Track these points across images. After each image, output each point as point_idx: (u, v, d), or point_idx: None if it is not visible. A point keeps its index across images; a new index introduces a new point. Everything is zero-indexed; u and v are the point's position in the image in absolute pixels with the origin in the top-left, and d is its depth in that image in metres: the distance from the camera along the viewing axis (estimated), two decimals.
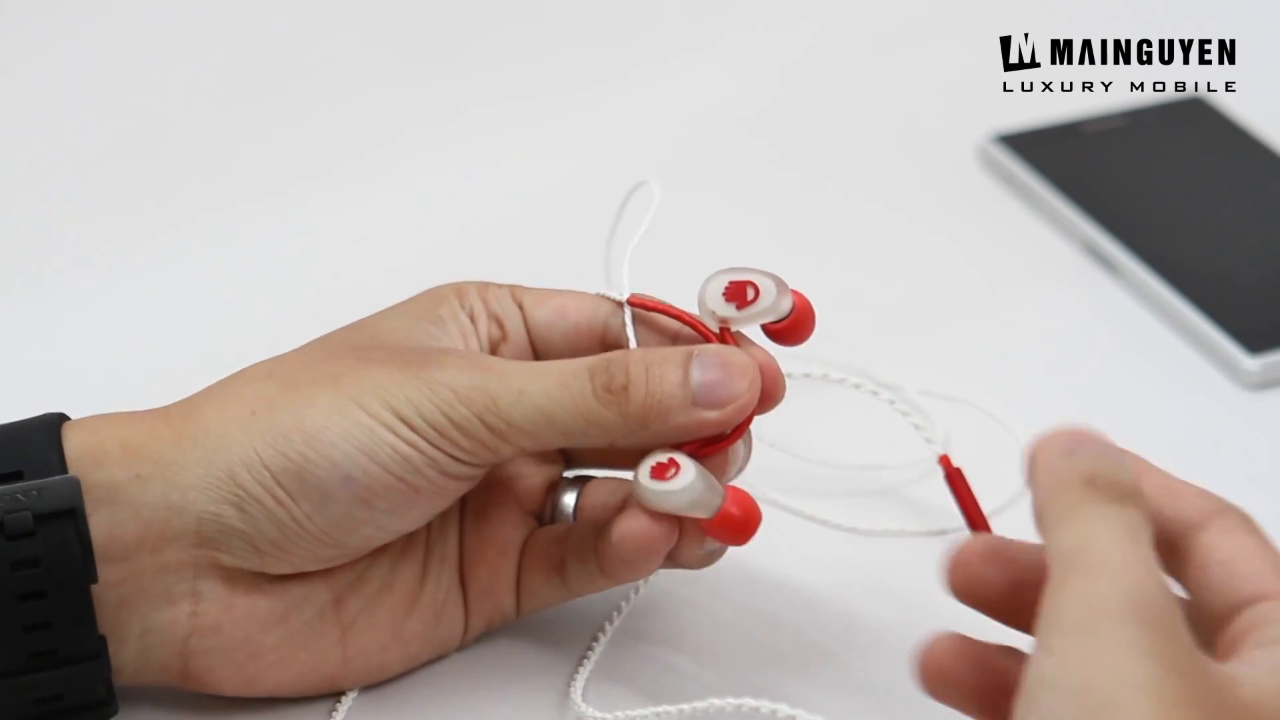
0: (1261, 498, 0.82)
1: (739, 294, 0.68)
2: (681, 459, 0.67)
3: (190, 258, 0.97)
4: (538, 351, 0.72)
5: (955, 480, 0.78)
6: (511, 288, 0.72)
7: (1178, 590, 0.59)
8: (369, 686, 0.71)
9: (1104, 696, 0.51)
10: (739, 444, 0.69)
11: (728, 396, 0.67)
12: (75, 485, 0.65)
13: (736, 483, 0.70)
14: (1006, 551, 0.60)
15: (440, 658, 0.72)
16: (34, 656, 0.65)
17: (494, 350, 0.71)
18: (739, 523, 0.68)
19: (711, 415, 0.66)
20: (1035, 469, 0.57)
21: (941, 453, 0.78)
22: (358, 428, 0.66)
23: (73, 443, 0.66)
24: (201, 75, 1.10)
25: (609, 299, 0.71)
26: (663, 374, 0.66)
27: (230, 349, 0.75)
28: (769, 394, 0.68)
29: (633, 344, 0.70)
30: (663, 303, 0.70)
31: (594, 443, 0.67)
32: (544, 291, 0.72)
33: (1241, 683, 0.54)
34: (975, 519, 0.77)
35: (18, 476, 0.65)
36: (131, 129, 1.06)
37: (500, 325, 0.71)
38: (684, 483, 0.67)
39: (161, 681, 0.68)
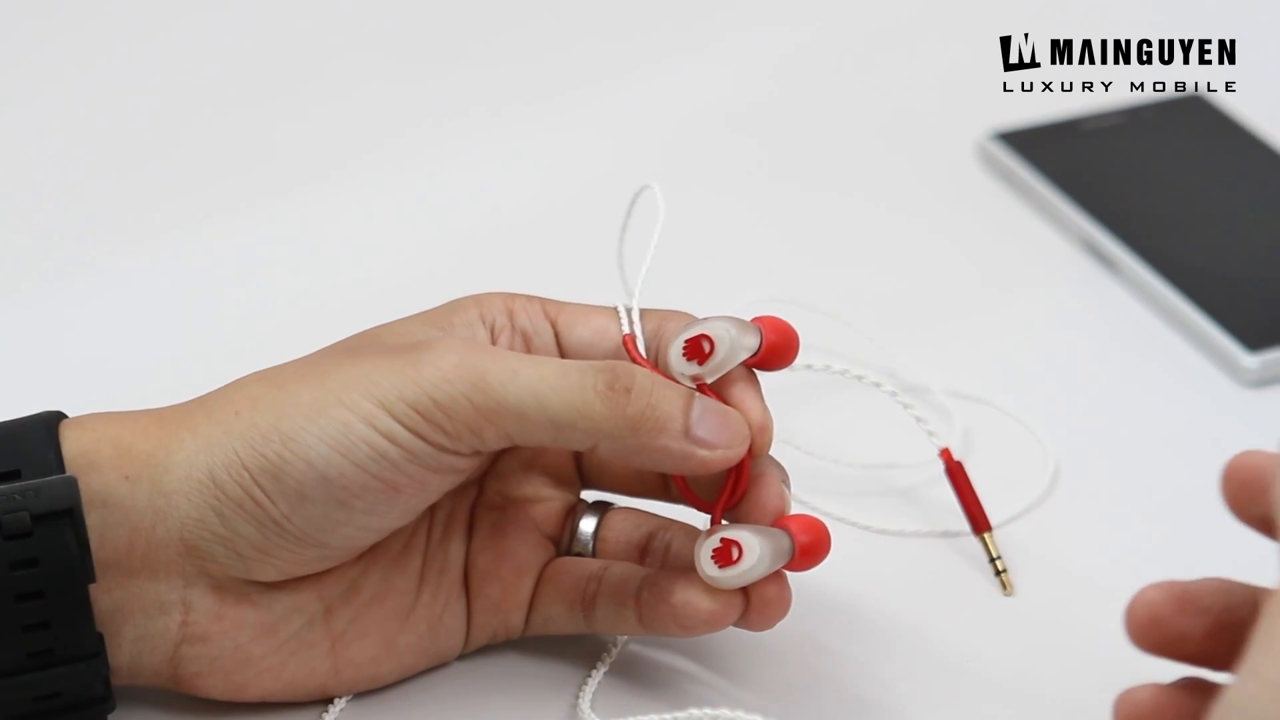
0: None
1: (696, 351, 0.68)
2: (732, 534, 0.67)
3: (192, 258, 0.97)
4: None
5: (956, 474, 0.78)
6: (543, 301, 0.71)
7: None
8: (363, 693, 0.71)
9: None
10: (778, 487, 0.69)
11: (719, 442, 0.67)
12: (73, 485, 0.65)
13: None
14: (1197, 600, 0.57)
15: (439, 666, 0.72)
16: (32, 656, 0.65)
17: None
18: (813, 546, 0.68)
19: (700, 452, 0.66)
20: None
21: (943, 446, 0.78)
22: (335, 426, 0.65)
23: (69, 442, 0.66)
24: (203, 77, 1.10)
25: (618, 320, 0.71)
26: (666, 395, 0.66)
27: (233, 350, 0.75)
28: (757, 446, 0.68)
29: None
30: (647, 359, 0.70)
31: (578, 442, 0.66)
32: (579, 308, 0.71)
33: None
34: (975, 513, 0.77)
35: (15, 475, 0.65)
36: (134, 130, 1.06)
37: (527, 341, 0.70)
38: (753, 559, 0.67)
39: (154, 683, 0.68)
